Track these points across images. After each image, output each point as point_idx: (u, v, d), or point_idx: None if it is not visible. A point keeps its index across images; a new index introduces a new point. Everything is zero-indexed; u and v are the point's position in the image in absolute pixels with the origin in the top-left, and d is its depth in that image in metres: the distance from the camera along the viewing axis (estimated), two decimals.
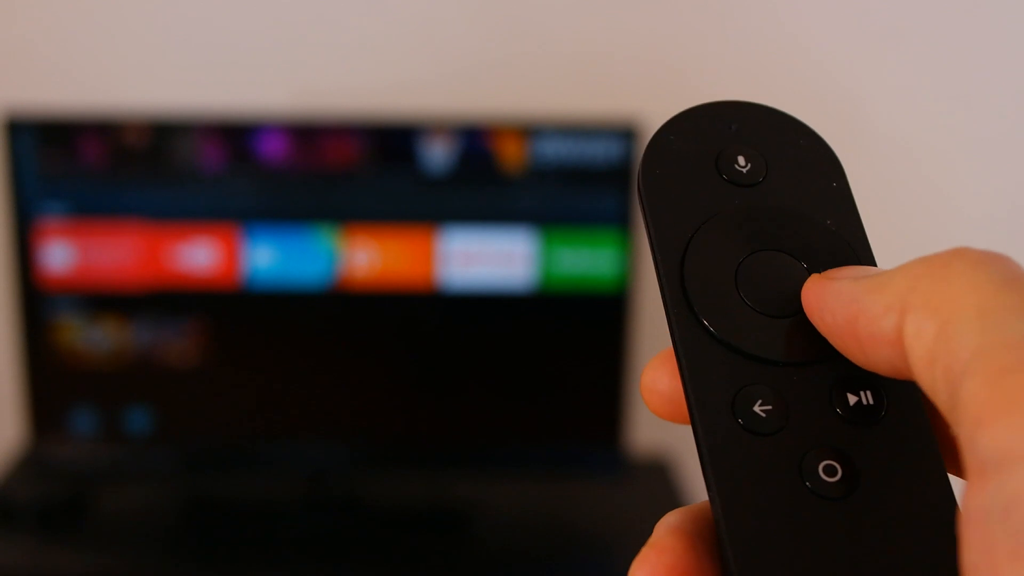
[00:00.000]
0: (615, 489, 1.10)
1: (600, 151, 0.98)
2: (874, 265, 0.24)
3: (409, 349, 1.05)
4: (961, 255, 0.20)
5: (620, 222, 1.00)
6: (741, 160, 0.25)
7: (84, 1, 1.07)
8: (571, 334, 1.04)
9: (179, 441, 1.05)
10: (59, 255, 0.99)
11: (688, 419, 0.23)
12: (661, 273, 0.24)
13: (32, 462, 1.06)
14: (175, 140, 0.98)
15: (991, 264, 0.20)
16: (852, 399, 0.22)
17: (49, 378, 1.02)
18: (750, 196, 0.25)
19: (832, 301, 0.22)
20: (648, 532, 0.23)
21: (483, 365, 1.05)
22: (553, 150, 0.98)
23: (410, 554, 1.03)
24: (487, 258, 1.01)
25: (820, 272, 0.24)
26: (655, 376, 0.24)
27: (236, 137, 0.98)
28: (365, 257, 1.00)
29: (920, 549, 0.20)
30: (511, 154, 0.98)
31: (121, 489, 1.11)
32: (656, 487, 1.12)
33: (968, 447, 0.18)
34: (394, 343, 1.05)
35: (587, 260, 1.01)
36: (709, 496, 0.22)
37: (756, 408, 0.22)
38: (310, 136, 0.98)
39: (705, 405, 0.22)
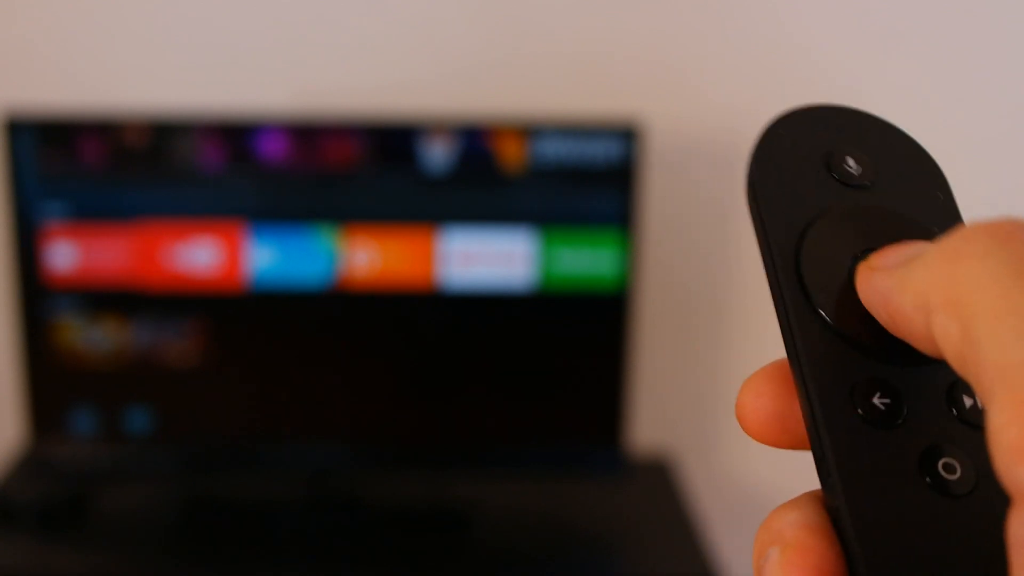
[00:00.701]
0: (615, 489, 1.10)
1: (600, 151, 0.98)
2: None
3: (409, 349, 1.05)
4: (971, 240, 0.20)
5: (620, 222, 1.00)
6: (851, 161, 0.26)
7: (84, 1, 1.07)
8: (571, 334, 1.04)
9: (179, 441, 1.05)
10: (59, 255, 0.99)
11: (789, 441, 0.23)
12: (775, 265, 0.24)
13: (32, 462, 1.06)
14: (175, 140, 0.98)
15: (1003, 249, 0.19)
16: (967, 401, 0.22)
17: (49, 378, 1.02)
18: (861, 197, 0.25)
19: (872, 298, 0.22)
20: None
21: (483, 365, 1.05)
22: (553, 150, 0.98)
23: (410, 554, 1.03)
24: (487, 258, 1.00)
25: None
26: (757, 396, 0.23)
27: (236, 137, 0.98)
28: (365, 257, 1.00)
29: None
30: (511, 154, 0.98)
31: (121, 489, 1.11)
32: (656, 487, 1.12)
33: (1006, 474, 0.18)
34: (394, 343, 1.05)
35: (587, 260, 1.01)
36: (827, 486, 0.22)
37: (875, 400, 0.22)
38: (310, 136, 0.98)
39: (824, 395, 0.22)
